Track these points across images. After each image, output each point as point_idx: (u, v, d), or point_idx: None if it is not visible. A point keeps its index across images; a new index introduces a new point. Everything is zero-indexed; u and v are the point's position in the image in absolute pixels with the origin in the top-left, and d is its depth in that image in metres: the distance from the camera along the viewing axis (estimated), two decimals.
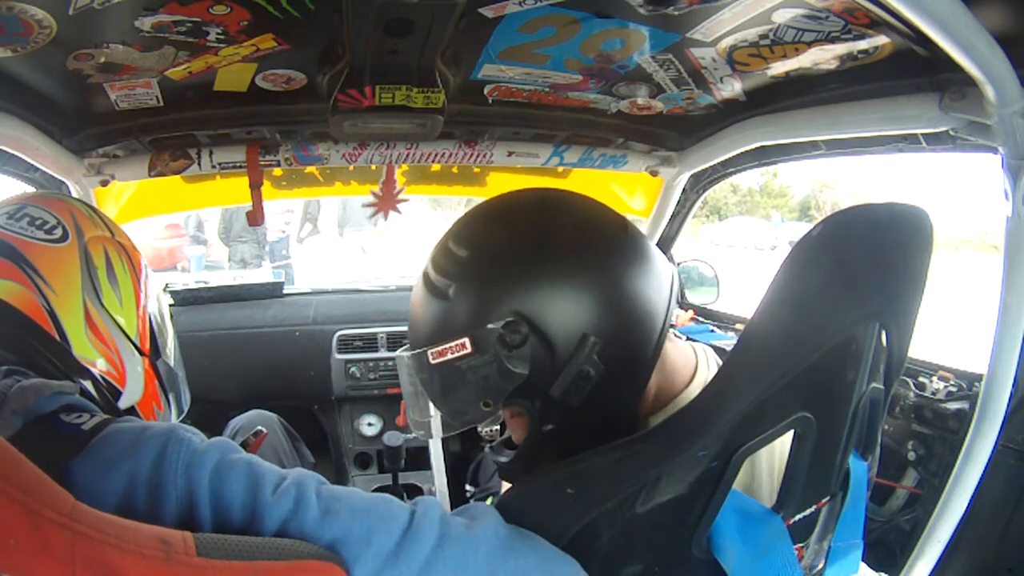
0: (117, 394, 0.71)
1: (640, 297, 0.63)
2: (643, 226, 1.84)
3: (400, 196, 1.62)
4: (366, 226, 6.16)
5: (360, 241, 6.31)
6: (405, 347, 0.71)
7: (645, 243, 0.68)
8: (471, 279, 0.64)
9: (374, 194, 1.59)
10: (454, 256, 0.66)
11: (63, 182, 1.28)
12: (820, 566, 0.71)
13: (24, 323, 0.63)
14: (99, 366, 0.68)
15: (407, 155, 1.44)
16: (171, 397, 0.82)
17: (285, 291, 2.17)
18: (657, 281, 0.65)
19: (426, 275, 0.68)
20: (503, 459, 0.72)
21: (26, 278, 0.64)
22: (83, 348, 0.67)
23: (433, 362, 0.65)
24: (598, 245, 0.65)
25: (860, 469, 0.70)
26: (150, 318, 0.78)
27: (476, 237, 0.67)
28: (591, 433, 0.64)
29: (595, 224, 0.67)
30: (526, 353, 0.61)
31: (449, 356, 0.64)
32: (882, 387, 0.68)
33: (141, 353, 0.75)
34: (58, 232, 0.68)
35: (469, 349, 0.63)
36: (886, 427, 1.30)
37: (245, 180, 1.39)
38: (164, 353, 0.81)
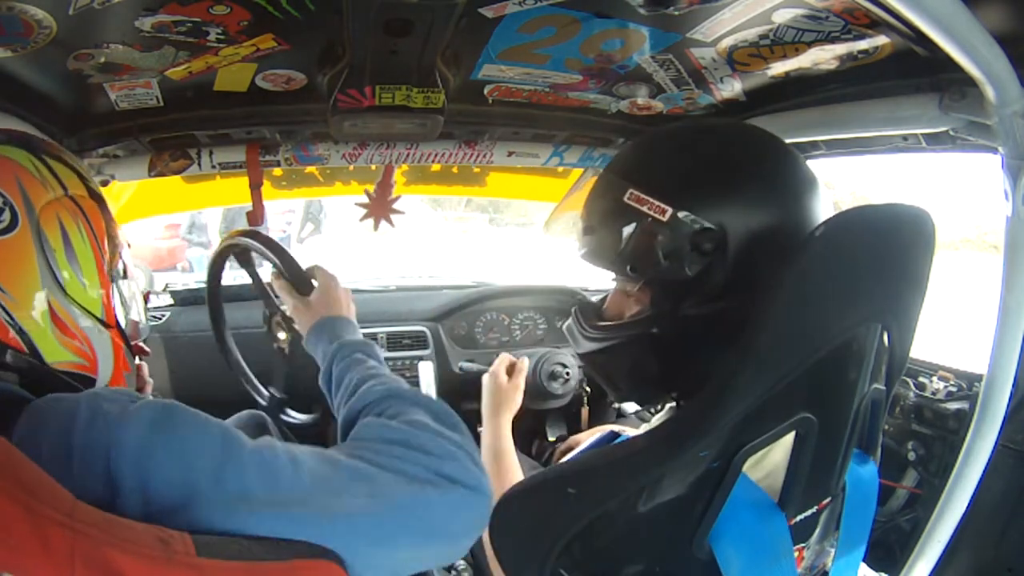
0: (91, 383, 0.66)
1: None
2: None
3: (395, 205, 1.56)
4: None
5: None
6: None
7: None
8: (720, 172, 0.64)
9: (368, 194, 1.56)
10: (717, 147, 0.66)
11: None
12: (821, 566, 0.71)
13: None
14: (72, 364, 0.63)
15: (407, 155, 1.44)
16: (133, 349, 0.74)
17: None
18: None
19: (686, 138, 0.69)
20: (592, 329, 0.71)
21: None
22: (54, 352, 0.62)
23: (626, 200, 0.64)
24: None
25: (868, 472, 0.70)
26: (114, 278, 0.70)
27: (748, 149, 0.67)
28: (675, 366, 0.64)
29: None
30: (700, 263, 0.61)
31: (644, 208, 0.63)
32: (883, 388, 0.68)
33: (107, 326, 0.68)
34: (6, 217, 0.59)
35: (665, 219, 0.61)
36: (886, 427, 1.30)
37: (245, 180, 1.39)
38: (125, 307, 0.73)
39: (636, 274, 0.64)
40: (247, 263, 1.13)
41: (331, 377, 0.75)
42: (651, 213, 0.62)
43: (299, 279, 0.92)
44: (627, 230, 0.64)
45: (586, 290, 2.13)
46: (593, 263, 0.68)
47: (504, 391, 1.15)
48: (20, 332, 0.59)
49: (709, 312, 0.61)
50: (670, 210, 0.61)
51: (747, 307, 0.58)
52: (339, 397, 0.70)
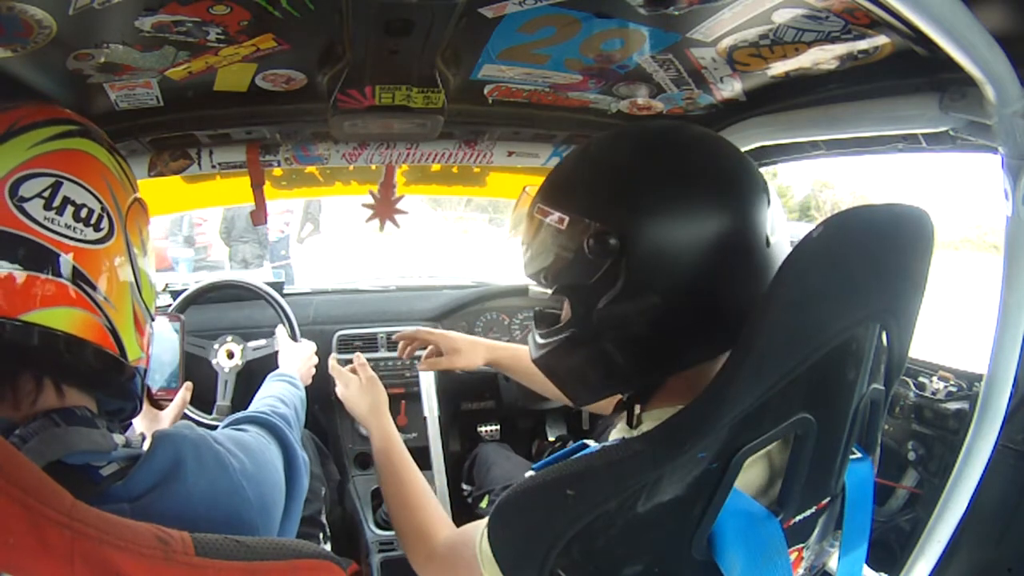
0: (145, 374, 0.68)
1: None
2: None
3: (399, 206, 1.57)
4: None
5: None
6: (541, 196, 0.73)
7: None
8: (611, 178, 0.66)
9: (372, 195, 1.57)
10: (614, 153, 0.68)
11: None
12: (821, 566, 0.71)
13: (98, 355, 0.59)
14: (139, 360, 0.65)
15: (407, 155, 1.44)
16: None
17: (285, 291, 2.16)
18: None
19: (590, 148, 0.71)
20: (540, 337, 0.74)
21: (89, 302, 0.58)
22: (134, 352, 0.64)
23: (535, 214, 0.70)
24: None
25: (865, 470, 0.70)
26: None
27: (643, 151, 0.67)
28: (607, 366, 0.67)
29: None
30: (600, 266, 0.63)
31: (548, 220, 0.67)
32: (882, 388, 0.68)
33: (152, 317, 0.70)
34: (104, 225, 0.60)
35: (563, 227, 0.65)
36: (886, 427, 1.30)
37: (245, 180, 1.39)
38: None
39: (547, 283, 0.69)
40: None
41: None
42: (552, 223, 0.67)
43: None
44: (537, 242, 0.69)
45: None
46: (525, 274, 0.73)
47: (377, 389, 1.16)
48: (116, 337, 0.61)
49: (620, 312, 0.63)
50: (567, 218, 0.65)
51: (660, 307, 0.61)
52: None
